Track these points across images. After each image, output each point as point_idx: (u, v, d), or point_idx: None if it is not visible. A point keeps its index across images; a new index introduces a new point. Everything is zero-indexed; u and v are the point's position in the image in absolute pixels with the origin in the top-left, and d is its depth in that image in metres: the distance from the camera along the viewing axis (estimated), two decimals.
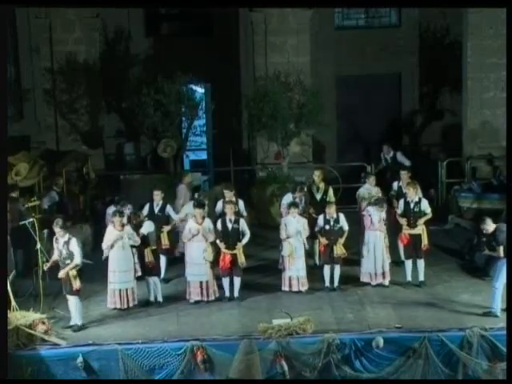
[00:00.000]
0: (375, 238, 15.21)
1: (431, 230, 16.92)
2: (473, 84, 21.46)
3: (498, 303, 13.58)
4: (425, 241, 15.31)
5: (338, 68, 24.04)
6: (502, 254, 13.77)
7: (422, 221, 15.32)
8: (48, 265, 13.86)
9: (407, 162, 19.88)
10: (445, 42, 24.02)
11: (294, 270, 15.01)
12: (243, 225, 14.89)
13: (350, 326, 13.48)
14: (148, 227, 14.69)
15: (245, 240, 14.85)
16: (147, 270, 14.69)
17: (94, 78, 23.00)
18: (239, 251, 14.68)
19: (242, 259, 14.71)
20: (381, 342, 12.84)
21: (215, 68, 23.27)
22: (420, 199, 15.48)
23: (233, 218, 14.83)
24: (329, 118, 21.83)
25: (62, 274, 13.57)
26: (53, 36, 22.51)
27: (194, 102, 20.69)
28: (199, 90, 22.82)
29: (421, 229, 15.32)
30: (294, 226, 15.04)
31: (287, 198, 16.24)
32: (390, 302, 14.50)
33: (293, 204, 15.34)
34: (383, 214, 15.26)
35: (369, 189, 16.43)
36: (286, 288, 15.09)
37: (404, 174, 16.47)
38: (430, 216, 15.46)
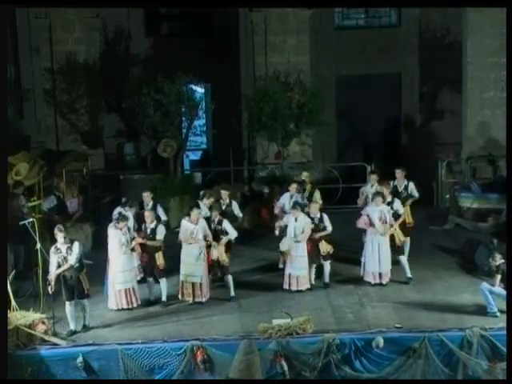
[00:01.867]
0: (377, 238, 15.10)
1: (431, 230, 16.92)
2: (473, 84, 21.47)
3: (492, 302, 13.56)
4: (409, 218, 15.90)
5: (338, 68, 24.03)
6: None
7: (409, 202, 15.98)
8: (53, 281, 13.22)
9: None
10: (445, 41, 23.99)
11: (293, 268, 14.96)
12: (226, 225, 14.94)
13: (350, 325, 13.46)
14: (162, 231, 14.70)
15: (224, 240, 14.84)
16: (158, 272, 14.65)
17: (94, 78, 23.02)
18: (220, 250, 14.72)
19: (222, 257, 14.73)
20: (381, 342, 12.82)
21: (215, 68, 23.27)
22: (408, 183, 16.16)
23: (216, 220, 14.91)
24: (329, 118, 21.84)
25: (57, 272, 13.30)
26: (53, 36, 22.55)
27: (194, 102, 20.70)
28: (199, 90, 22.83)
29: (404, 209, 15.79)
30: (292, 226, 15.00)
31: (284, 198, 16.28)
32: (389, 301, 14.48)
33: (295, 204, 15.33)
34: (385, 212, 15.19)
35: (371, 187, 16.37)
36: (286, 286, 15.06)
37: (399, 173, 16.40)
38: (416, 198, 16.16)
